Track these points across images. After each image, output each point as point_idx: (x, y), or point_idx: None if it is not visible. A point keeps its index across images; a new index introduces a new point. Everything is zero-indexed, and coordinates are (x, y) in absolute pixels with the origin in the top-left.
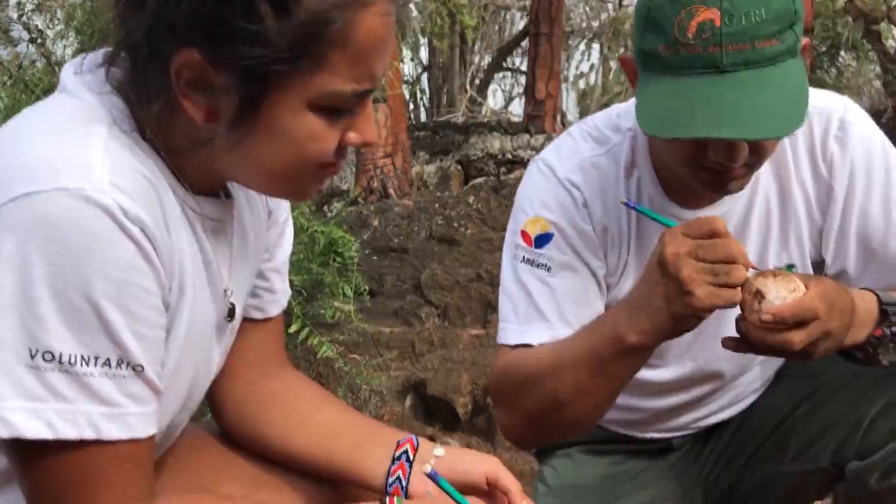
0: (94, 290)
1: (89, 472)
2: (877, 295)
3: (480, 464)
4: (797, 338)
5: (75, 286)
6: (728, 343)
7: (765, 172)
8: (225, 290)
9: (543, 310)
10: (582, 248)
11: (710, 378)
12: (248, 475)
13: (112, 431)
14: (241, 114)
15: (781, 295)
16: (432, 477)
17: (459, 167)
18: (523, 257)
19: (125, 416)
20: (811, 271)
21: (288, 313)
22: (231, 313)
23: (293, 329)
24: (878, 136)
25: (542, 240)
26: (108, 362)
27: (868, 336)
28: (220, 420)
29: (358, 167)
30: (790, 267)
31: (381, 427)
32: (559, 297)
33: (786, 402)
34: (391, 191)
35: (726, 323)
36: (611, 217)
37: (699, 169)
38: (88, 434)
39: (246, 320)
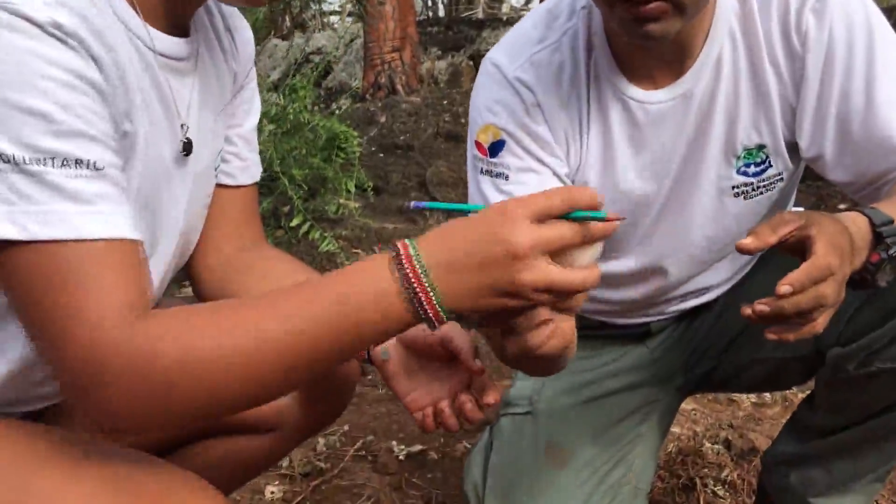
0: (35, 93)
1: (72, 276)
2: (867, 215)
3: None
4: (829, 292)
5: (17, 90)
6: (771, 336)
7: (733, 49)
8: (182, 126)
9: None
10: (537, 150)
11: (660, 273)
12: None
13: (90, 228)
14: None
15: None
16: (417, 207)
17: (471, 63)
18: (482, 168)
19: (101, 213)
20: (784, 154)
21: (290, 206)
22: (187, 148)
23: (295, 223)
24: (864, 6)
25: (496, 148)
26: (65, 162)
27: (865, 263)
28: (199, 293)
29: (366, 62)
30: (760, 147)
31: None
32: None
33: (769, 290)
34: (399, 87)
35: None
36: (569, 110)
37: (616, 5)
38: (64, 233)
39: (218, 186)
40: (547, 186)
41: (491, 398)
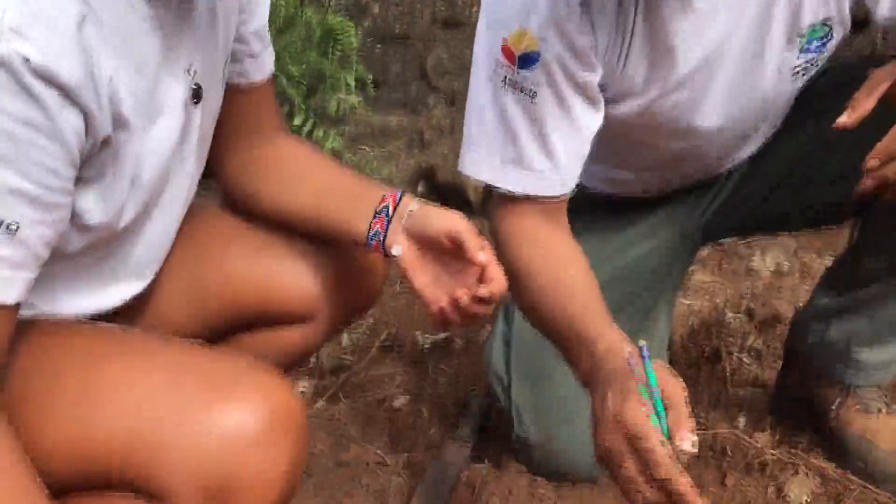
0: None
1: None
2: None
3: (442, 221)
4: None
5: None
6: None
7: None
8: (189, 69)
9: (524, 148)
10: (575, 70)
11: (703, 158)
12: (253, 243)
13: None
14: None
15: None
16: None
17: None
18: (506, 78)
19: None
20: (847, 18)
21: (291, 105)
22: (197, 95)
23: (297, 122)
24: None
25: (529, 60)
26: None
27: None
28: (224, 192)
29: None
30: (826, 21)
31: (371, 185)
32: (545, 131)
33: (804, 145)
34: None
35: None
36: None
37: None
38: None
39: (231, 88)
40: (577, 129)
41: (484, 291)
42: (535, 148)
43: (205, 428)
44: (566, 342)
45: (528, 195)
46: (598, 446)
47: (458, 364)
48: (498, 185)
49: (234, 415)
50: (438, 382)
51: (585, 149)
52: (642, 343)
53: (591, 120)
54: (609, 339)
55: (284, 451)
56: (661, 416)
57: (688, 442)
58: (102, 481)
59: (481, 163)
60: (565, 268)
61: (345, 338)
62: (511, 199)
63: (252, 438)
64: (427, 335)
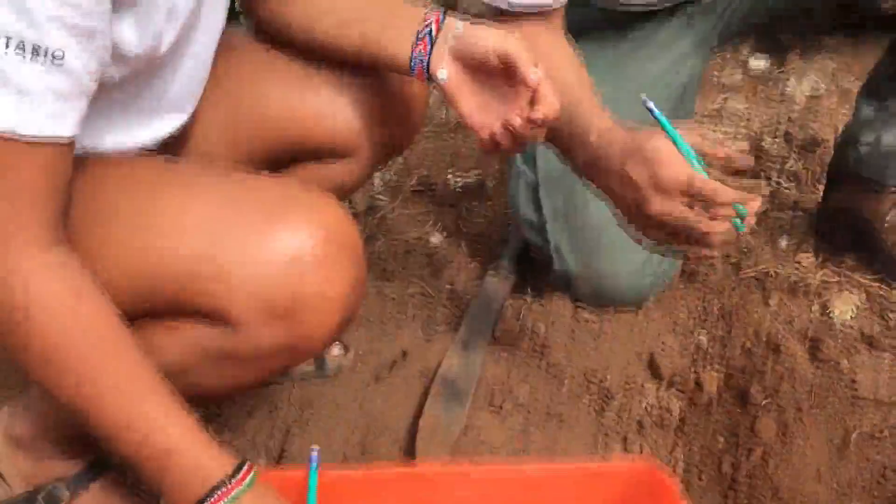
0: None
1: None
2: None
3: (491, 40)
4: None
5: None
6: None
7: None
8: None
9: None
10: None
11: None
12: (290, 76)
13: (16, 118)
14: None
15: None
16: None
17: None
18: None
19: (38, 103)
20: None
21: None
22: None
23: None
24: None
25: None
26: (21, 46)
27: None
28: (254, 26)
29: None
30: None
31: (411, 5)
32: None
33: None
34: None
35: None
36: None
37: None
38: None
39: None
40: None
41: (538, 113)
42: None
43: (265, 249)
44: (561, 137)
45: (524, 3)
46: (646, 220)
47: (491, 204)
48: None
49: (293, 236)
50: (473, 221)
51: None
52: (644, 96)
53: None
54: (602, 125)
55: (344, 270)
56: (694, 158)
57: (744, 158)
58: (166, 309)
59: None
60: (558, 69)
61: (377, 180)
62: (504, 11)
63: (312, 258)
64: (458, 177)
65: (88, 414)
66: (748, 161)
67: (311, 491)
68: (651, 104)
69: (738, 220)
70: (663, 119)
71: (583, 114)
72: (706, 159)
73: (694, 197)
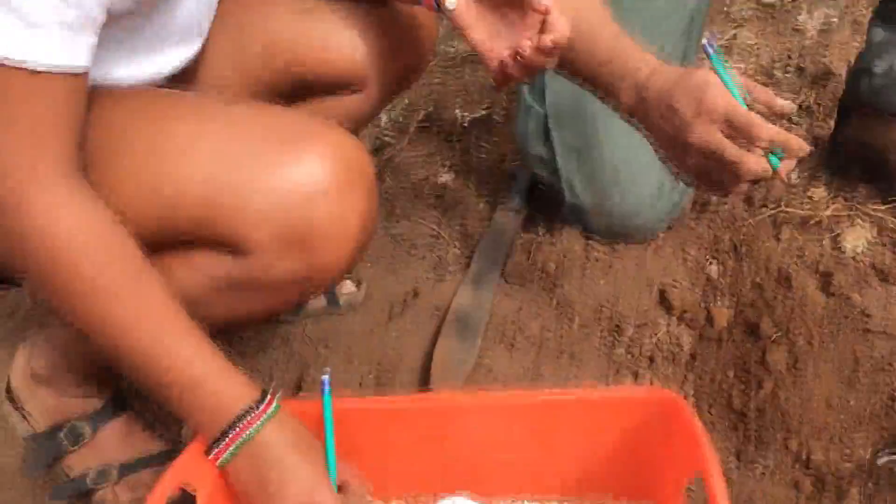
0: None
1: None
2: None
3: None
4: None
5: None
6: None
7: None
8: None
9: None
10: None
11: None
12: (299, 5)
13: (27, 49)
14: None
15: None
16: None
17: None
18: None
19: (48, 35)
20: None
21: None
22: None
23: None
24: None
25: None
26: None
27: None
28: None
29: None
30: None
31: None
32: None
33: None
34: None
35: None
36: None
37: None
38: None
39: None
40: None
41: (547, 39)
42: None
43: (279, 179)
44: (602, 78)
45: None
46: (684, 149)
47: (498, 139)
48: None
49: (307, 166)
50: (482, 157)
51: None
52: (705, 41)
53: None
54: (652, 63)
55: (358, 200)
56: (739, 98)
57: (786, 104)
58: (180, 239)
59: None
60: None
61: (383, 118)
62: None
63: (327, 188)
64: (465, 112)
65: (116, 345)
66: (791, 107)
67: (326, 414)
68: (705, 41)
69: (775, 158)
70: (714, 56)
71: (625, 48)
72: (750, 99)
73: (735, 129)
